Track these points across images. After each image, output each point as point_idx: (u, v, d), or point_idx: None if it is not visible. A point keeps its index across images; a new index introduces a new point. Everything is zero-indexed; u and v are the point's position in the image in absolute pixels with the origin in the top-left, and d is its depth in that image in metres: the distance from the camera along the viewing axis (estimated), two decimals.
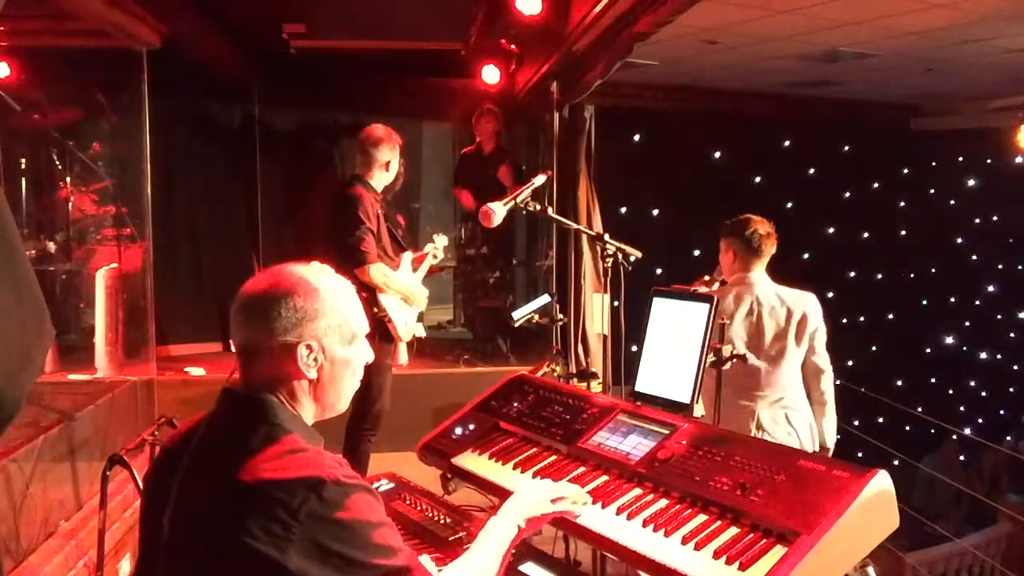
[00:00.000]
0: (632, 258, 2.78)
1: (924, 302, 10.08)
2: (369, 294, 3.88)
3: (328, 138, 7.34)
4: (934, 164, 9.83)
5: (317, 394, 1.51)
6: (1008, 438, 9.83)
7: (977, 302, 10.13)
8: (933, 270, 9.96)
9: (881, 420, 8.63)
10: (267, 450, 1.37)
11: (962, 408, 10.17)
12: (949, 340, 10.25)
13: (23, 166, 5.53)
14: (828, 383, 3.63)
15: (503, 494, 1.90)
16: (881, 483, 1.67)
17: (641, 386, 2.34)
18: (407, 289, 4.06)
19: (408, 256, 4.20)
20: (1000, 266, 10.11)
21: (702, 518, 1.75)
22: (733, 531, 1.68)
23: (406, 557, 1.41)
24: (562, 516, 1.80)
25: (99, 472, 3.10)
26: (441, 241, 4.42)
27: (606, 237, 2.81)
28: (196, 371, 5.70)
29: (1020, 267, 10.04)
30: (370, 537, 1.36)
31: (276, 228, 6.93)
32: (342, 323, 1.51)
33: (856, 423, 6.32)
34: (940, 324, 10.18)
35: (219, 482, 1.36)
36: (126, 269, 5.18)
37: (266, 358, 1.47)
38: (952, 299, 10.18)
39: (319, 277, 1.51)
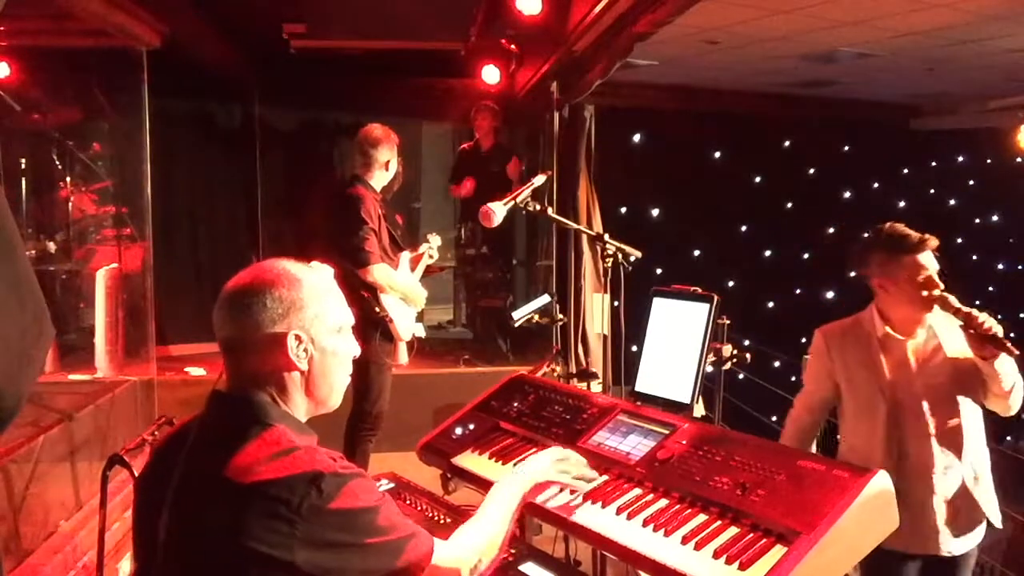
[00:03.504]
0: (632, 258, 2.78)
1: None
2: (371, 294, 3.88)
3: (328, 138, 7.35)
4: (934, 164, 9.84)
5: (309, 387, 1.50)
6: (1008, 438, 9.82)
7: (977, 302, 10.09)
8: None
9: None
10: (261, 451, 1.36)
11: None
12: None
13: (23, 166, 5.53)
14: None
15: None
16: (881, 483, 1.67)
17: (641, 386, 2.34)
18: (408, 289, 4.07)
19: (406, 256, 4.21)
20: (1000, 266, 10.10)
21: (702, 518, 1.75)
22: (733, 531, 1.68)
23: (407, 528, 1.44)
24: (554, 513, 1.83)
25: (99, 472, 3.09)
26: (435, 241, 4.43)
27: (606, 237, 2.80)
28: (196, 371, 5.70)
29: (1020, 267, 10.05)
30: (372, 521, 1.38)
31: (276, 228, 6.93)
32: (328, 313, 1.50)
33: None
34: None
35: (217, 486, 1.35)
36: (126, 269, 5.18)
37: (254, 352, 1.45)
38: None
39: (301, 269, 1.51)
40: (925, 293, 2.57)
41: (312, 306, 1.47)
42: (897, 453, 2.56)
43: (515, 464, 2.14)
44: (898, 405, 2.59)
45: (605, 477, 1.98)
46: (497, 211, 2.72)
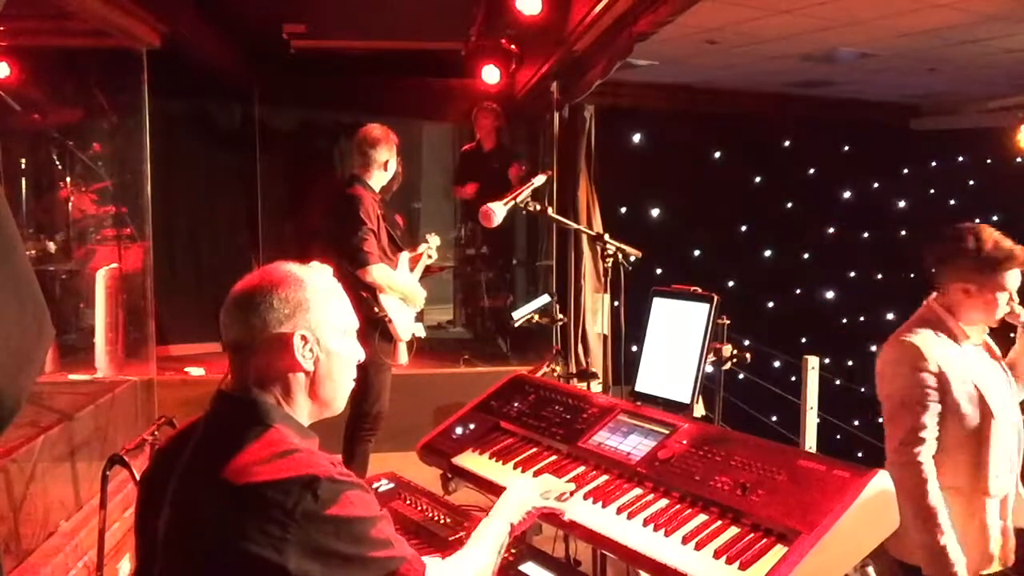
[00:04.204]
0: (632, 258, 2.78)
1: (924, 302, 10.07)
2: (370, 294, 3.88)
3: (328, 138, 7.34)
4: (934, 164, 9.83)
5: (314, 389, 1.50)
6: None
7: None
8: (933, 270, 9.96)
9: (881, 420, 8.64)
10: (259, 452, 1.36)
11: None
12: None
13: (23, 166, 5.53)
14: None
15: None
16: (881, 483, 1.67)
17: (641, 386, 2.34)
18: (407, 289, 4.07)
19: (405, 256, 4.21)
20: None
21: (702, 518, 1.75)
22: (733, 531, 1.68)
23: (401, 548, 1.43)
24: (553, 513, 1.83)
25: (99, 472, 3.10)
26: (434, 241, 4.43)
27: (606, 237, 2.80)
28: (196, 371, 5.70)
29: None
30: (367, 532, 1.37)
31: (276, 228, 6.94)
32: (334, 316, 1.51)
33: (856, 423, 6.31)
34: None
35: (214, 487, 1.35)
36: (126, 269, 5.19)
37: (260, 353, 1.46)
38: None
39: (307, 272, 1.52)
40: (1003, 310, 2.53)
41: (319, 307, 1.48)
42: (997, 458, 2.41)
43: (515, 464, 2.14)
44: (992, 409, 2.44)
45: (605, 477, 1.98)
46: (497, 211, 2.72)
